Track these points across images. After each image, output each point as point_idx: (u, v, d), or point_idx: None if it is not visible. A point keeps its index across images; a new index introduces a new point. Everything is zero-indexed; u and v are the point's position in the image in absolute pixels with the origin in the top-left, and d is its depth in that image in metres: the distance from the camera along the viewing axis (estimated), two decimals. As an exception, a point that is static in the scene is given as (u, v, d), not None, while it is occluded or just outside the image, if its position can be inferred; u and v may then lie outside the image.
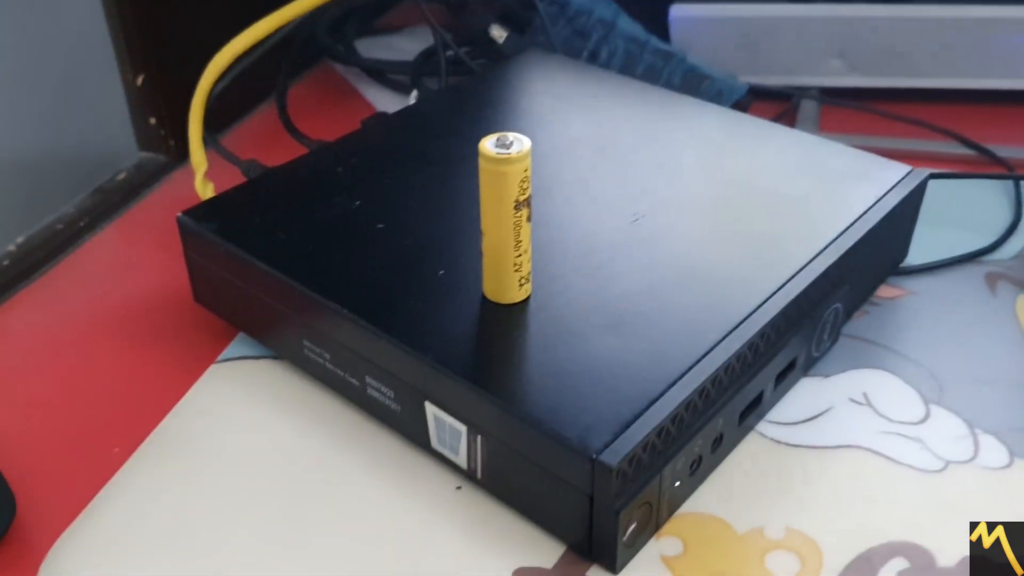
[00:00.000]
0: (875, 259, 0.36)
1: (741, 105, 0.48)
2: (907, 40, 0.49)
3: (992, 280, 0.39)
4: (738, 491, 0.30)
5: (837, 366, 0.35)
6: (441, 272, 0.32)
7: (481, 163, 0.28)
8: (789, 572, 0.28)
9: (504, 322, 0.30)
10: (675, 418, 0.27)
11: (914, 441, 0.32)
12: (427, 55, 0.52)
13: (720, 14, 0.51)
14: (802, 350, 0.33)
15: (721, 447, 0.30)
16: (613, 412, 0.27)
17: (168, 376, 0.36)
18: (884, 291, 0.38)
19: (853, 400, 0.34)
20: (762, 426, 0.32)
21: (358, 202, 0.36)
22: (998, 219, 0.42)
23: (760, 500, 0.30)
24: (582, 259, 0.32)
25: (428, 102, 0.46)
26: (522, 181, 0.28)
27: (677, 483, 0.29)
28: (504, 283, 0.30)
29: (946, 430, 0.32)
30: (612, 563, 0.27)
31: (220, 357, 0.36)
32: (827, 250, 0.33)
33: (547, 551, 0.29)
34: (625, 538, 0.27)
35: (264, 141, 0.50)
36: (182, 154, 0.46)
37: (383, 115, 0.46)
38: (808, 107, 0.51)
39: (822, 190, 0.36)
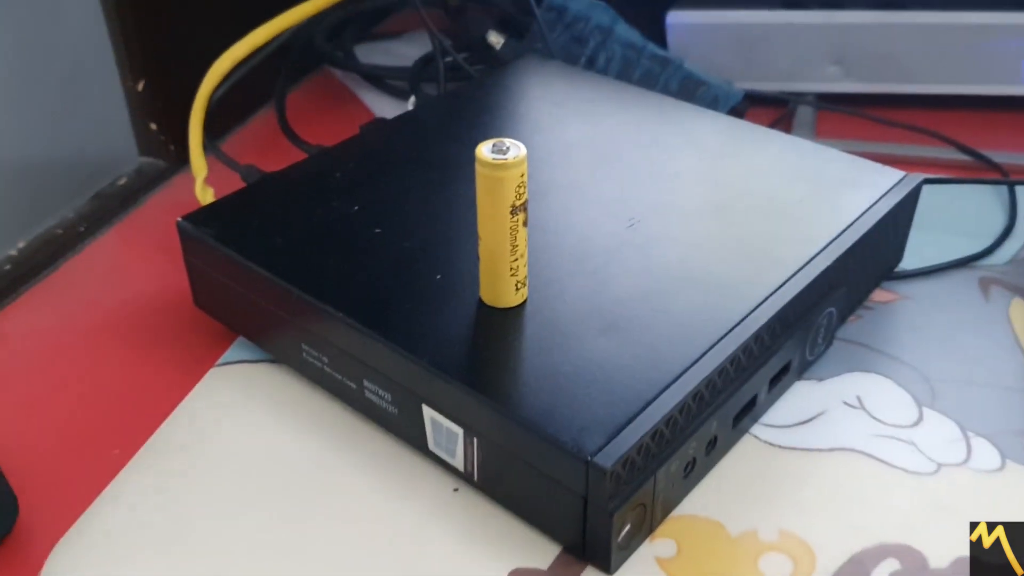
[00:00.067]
0: (869, 264, 0.37)
1: (737, 111, 0.48)
2: (902, 46, 0.50)
3: (986, 285, 0.39)
4: (732, 493, 0.30)
5: (831, 370, 0.35)
6: (438, 277, 0.32)
7: (478, 168, 0.28)
8: (782, 574, 0.28)
9: (500, 326, 0.30)
10: (669, 421, 0.27)
11: (907, 444, 0.32)
12: (425, 61, 0.53)
13: (717, 20, 0.51)
14: (796, 354, 0.33)
15: (715, 450, 0.31)
16: (608, 415, 0.27)
17: (168, 379, 0.36)
18: (878, 295, 0.39)
19: (847, 403, 0.34)
20: (756, 429, 0.33)
21: (356, 207, 0.36)
22: (992, 224, 0.43)
23: (754, 502, 0.30)
24: (578, 263, 0.33)
25: (426, 108, 0.46)
26: (518, 186, 0.28)
27: (671, 485, 0.29)
28: (500, 287, 0.30)
29: (939, 433, 0.32)
30: (607, 564, 0.28)
31: (219, 361, 0.37)
32: (821, 255, 0.33)
33: (543, 552, 0.29)
34: (619, 540, 0.27)
35: (263, 146, 0.50)
36: (182, 159, 0.47)
37: (382, 121, 0.46)
38: (804, 113, 0.51)
39: (817, 195, 0.36)
